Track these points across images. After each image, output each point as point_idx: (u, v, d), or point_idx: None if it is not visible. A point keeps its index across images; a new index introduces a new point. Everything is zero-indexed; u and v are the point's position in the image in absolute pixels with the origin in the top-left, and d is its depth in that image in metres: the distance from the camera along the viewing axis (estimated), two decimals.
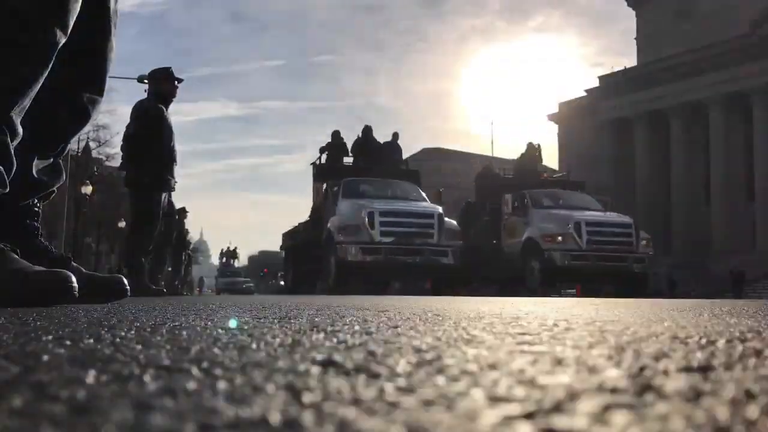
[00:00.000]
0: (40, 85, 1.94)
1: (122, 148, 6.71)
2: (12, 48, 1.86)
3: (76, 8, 2.00)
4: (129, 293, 2.82)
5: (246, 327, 1.20)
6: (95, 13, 2.31)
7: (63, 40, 1.97)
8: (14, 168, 1.95)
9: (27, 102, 1.94)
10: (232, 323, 1.25)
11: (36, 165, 2.38)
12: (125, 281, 2.74)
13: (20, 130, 1.94)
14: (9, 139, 1.90)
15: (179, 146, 6.79)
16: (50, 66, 1.95)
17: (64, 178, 2.58)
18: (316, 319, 1.51)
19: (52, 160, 2.47)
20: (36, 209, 2.64)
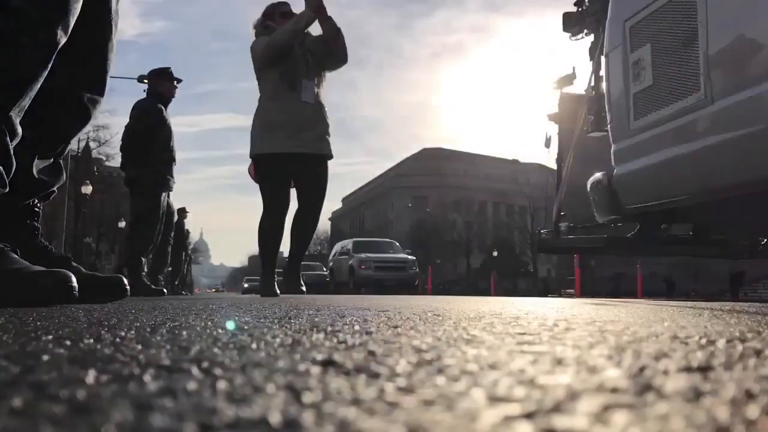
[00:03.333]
0: (39, 84, 1.94)
1: (122, 148, 6.71)
2: (12, 47, 1.86)
3: (77, 8, 2.01)
4: (129, 293, 2.82)
5: (245, 327, 1.20)
6: (96, 12, 2.31)
7: (63, 40, 1.98)
8: (14, 168, 1.95)
9: (27, 101, 1.93)
10: (230, 325, 1.25)
11: (36, 165, 2.38)
12: (125, 281, 2.74)
13: (20, 130, 1.94)
14: (8, 139, 1.90)
15: (186, 154, 6.89)
16: (50, 65, 1.95)
17: (64, 178, 2.59)
18: (316, 319, 1.51)
19: (52, 160, 2.47)
20: (36, 209, 2.64)
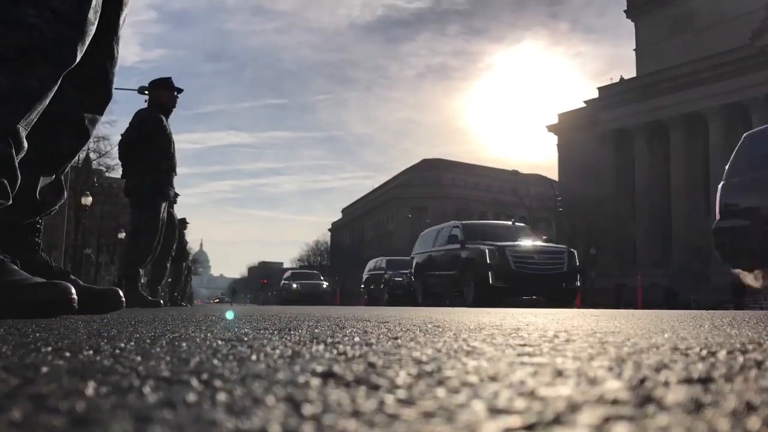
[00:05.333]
0: (48, 100, 1.96)
1: (120, 157, 6.71)
2: (24, 62, 1.87)
3: (92, 31, 2.04)
4: (124, 305, 2.83)
5: (245, 339, 1.20)
6: (105, 39, 2.35)
7: (76, 61, 2.00)
8: (18, 181, 1.95)
9: (34, 117, 1.95)
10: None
11: (40, 182, 2.41)
12: (120, 293, 2.76)
13: (26, 144, 1.95)
14: (14, 152, 1.91)
15: (189, 169, 6.87)
16: (59, 83, 1.97)
17: (66, 195, 2.62)
18: (316, 331, 1.51)
19: (54, 177, 2.50)
20: (38, 225, 2.67)
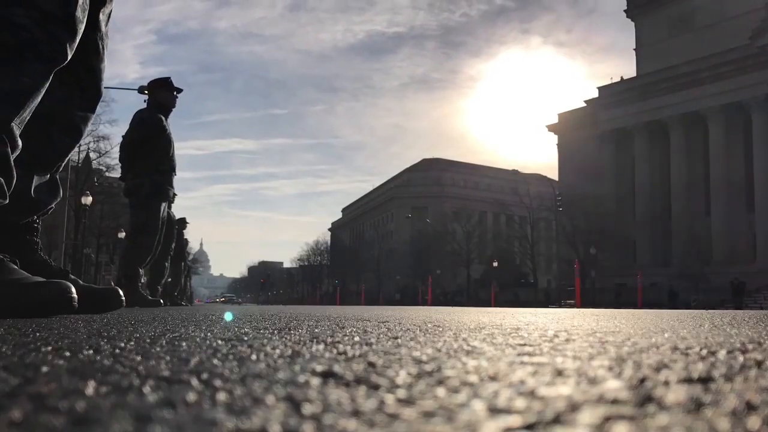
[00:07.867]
0: (40, 97, 1.96)
1: (120, 159, 6.70)
2: (14, 60, 1.87)
3: (81, 29, 2.04)
4: (124, 304, 2.85)
5: (245, 339, 1.20)
6: (90, 36, 2.36)
7: (66, 59, 2.01)
8: (14, 180, 1.95)
9: (27, 115, 1.95)
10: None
11: (33, 182, 2.41)
12: (121, 292, 2.77)
13: (20, 142, 1.95)
14: (9, 150, 1.91)
15: (194, 173, 6.86)
16: (49, 80, 1.97)
17: (61, 194, 2.62)
18: (316, 330, 1.51)
19: (49, 176, 2.50)
20: (35, 225, 2.67)
